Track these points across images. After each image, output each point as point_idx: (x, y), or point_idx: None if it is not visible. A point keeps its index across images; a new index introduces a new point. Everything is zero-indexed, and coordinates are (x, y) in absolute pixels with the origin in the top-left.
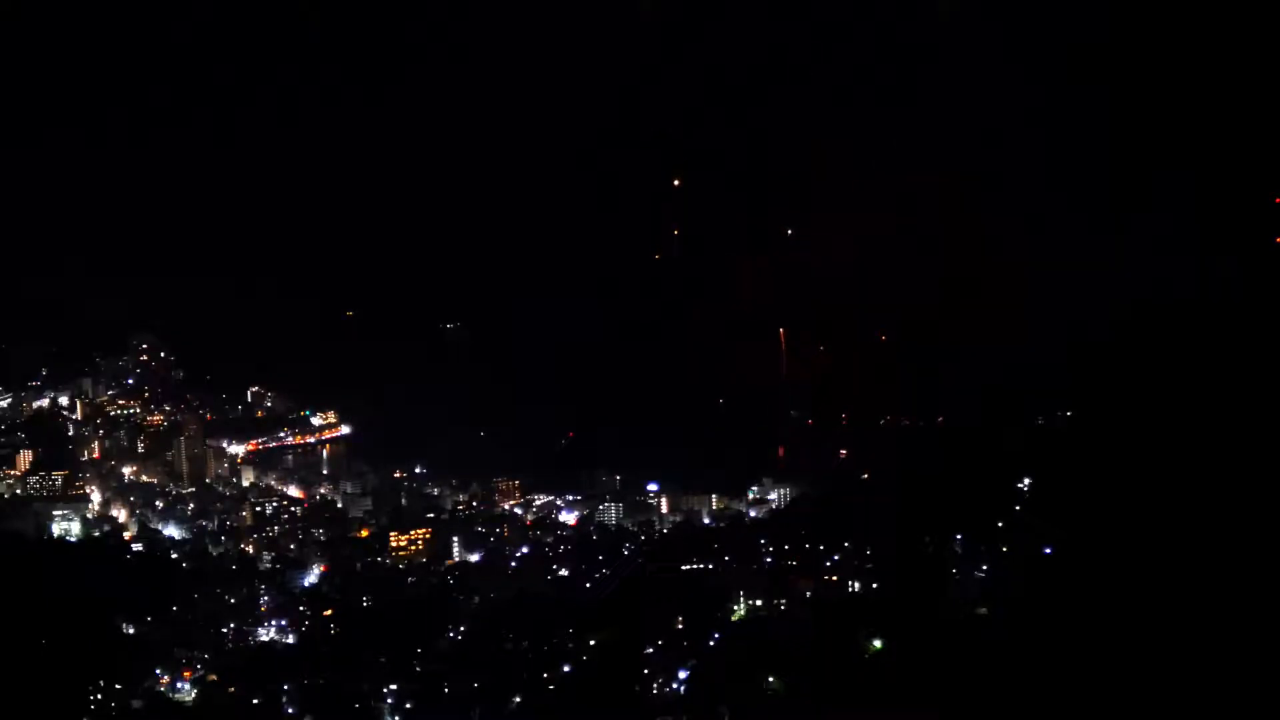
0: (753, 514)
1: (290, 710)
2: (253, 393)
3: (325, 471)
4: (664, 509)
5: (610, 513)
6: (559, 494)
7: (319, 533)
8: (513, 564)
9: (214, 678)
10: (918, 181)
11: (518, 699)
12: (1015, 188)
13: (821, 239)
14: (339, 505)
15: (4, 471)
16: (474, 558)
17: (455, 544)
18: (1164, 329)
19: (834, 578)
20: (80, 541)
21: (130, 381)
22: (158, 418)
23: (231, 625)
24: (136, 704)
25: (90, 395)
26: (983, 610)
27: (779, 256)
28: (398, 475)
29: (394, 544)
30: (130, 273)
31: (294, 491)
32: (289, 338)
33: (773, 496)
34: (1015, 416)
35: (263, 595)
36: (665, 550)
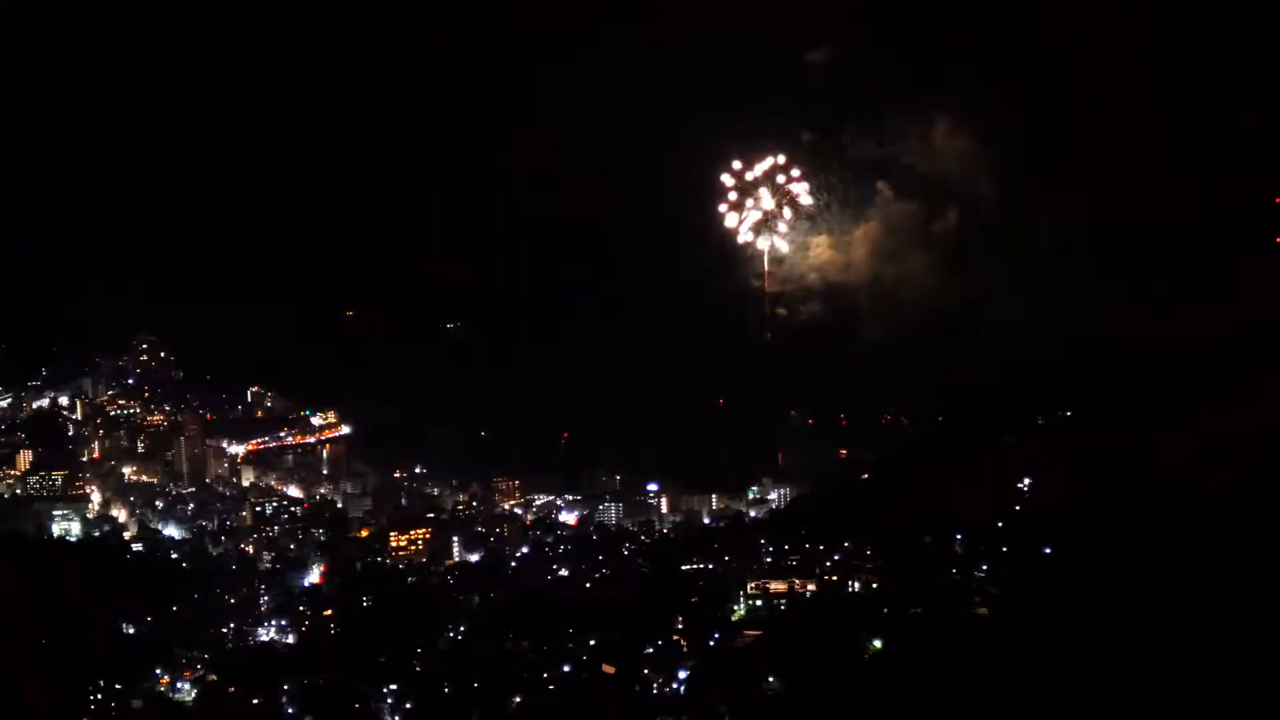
0: (753, 514)
1: (290, 710)
2: (253, 393)
3: (325, 471)
4: (664, 509)
5: (610, 513)
6: (559, 494)
7: (319, 533)
8: (513, 564)
9: (214, 678)
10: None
11: (518, 699)
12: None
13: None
14: (339, 505)
15: (4, 471)
16: (474, 558)
17: (455, 544)
18: (1163, 329)
19: (834, 578)
20: (80, 541)
21: (130, 381)
22: (158, 418)
23: (231, 625)
24: (136, 704)
25: (90, 395)
26: (983, 610)
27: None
28: (398, 475)
29: (394, 544)
30: (130, 273)
31: (294, 491)
32: (289, 338)
33: (773, 496)
34: (1015, 416)
35: (263, 595)
36: (665, 550)
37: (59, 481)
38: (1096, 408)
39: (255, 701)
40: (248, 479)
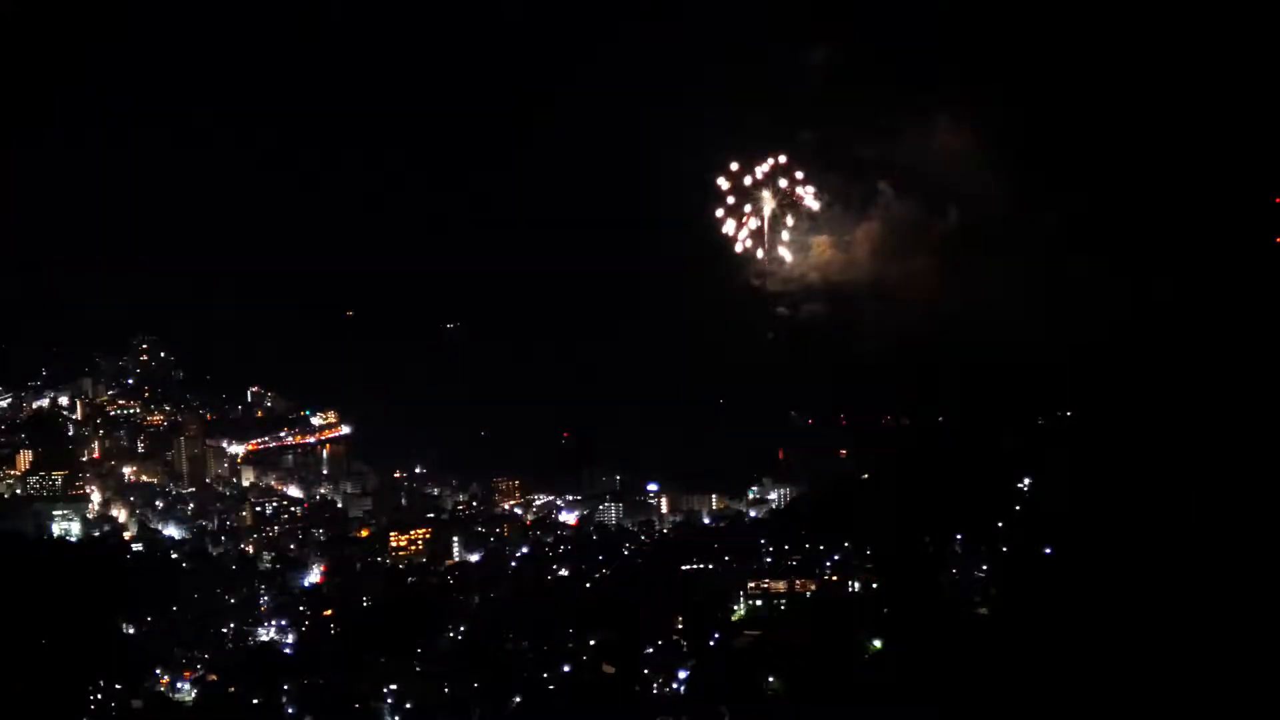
0: (753, 514)
1: (290, 710)
2: (253, 393)
3: (325, 471)
4: (664, 509)
5: (610, 513)
6: (559, 494)
7: (319, 533)
8: (513, 564)
9: (214, 678)
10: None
11: (518, 699)
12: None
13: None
14: (339, 505)
15: (4, 471)
16: (474, 558)
17: (455, 544)
18: (1163, 329)
19: (834, 578)
20: (80, 541)
21: (130, 381)
22: (158, 418)
23: (231, 625)
24: (136, 704)
25: (90, 395)
26: (983, 610)
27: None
28: (398, 475)
29: (394, 544)
30: (130, 273)
31: (294, 491)
32: (289, 338)
33: (773, 496)
34: (1015, 416)
35: (263, 595)
36: (665, 550)
37: (59, 481)
38: (1096, 408)
39: (255, 701)
40: (248, 479)
